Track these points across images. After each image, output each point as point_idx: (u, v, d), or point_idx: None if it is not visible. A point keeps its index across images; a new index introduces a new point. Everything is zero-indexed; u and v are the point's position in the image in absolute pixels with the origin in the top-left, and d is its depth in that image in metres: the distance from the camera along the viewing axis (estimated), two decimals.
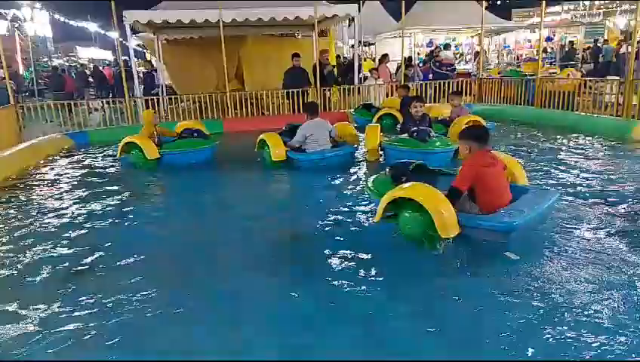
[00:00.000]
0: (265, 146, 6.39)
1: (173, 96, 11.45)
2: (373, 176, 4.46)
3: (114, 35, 10.36)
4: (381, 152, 6.54)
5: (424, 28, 16.91)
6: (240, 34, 12.37)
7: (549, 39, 19.16)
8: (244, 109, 10.61)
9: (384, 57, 12.77)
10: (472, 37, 18.69)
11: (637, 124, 7.56)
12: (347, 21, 13.06)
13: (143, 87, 12.71)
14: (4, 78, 10.25)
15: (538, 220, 3.57)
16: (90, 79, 18.00)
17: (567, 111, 9.28)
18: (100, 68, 21.31)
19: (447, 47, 14.43)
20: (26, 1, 22.95)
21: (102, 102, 12.80)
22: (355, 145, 6.69)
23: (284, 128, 6.99)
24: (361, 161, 6.61)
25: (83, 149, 8.53)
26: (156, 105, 10.34)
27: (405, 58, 11.93)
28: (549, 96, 9.79)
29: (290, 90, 10.39)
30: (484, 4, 12.21)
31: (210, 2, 9.75)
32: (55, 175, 6.61)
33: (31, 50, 23.15)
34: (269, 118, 10.47)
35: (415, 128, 6.18)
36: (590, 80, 10.26)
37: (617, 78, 9.79)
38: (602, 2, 25.63)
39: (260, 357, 2.37)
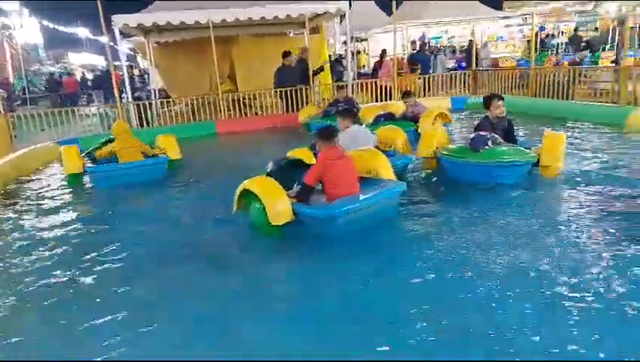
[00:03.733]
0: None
1: (165, 100, 11.35)
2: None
3: (104, 39, 10.22)
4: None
5: (415, 22, 16.82)
6: (231, 34, 12.27)
7: (542, 29, 19.08)
8: (237, 110, 10.53)
9: (384, 53, 12.92)
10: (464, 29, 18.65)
11: (632, 112, 7.53)
12: (339, 17, 12.96)
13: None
14: None
15: (369, 207, 3.78)
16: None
17: (561, 101, 9.23)
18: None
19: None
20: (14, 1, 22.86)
21: (92, 107, 12.69)
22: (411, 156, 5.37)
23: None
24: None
25: None
26: (147, 109, 10.24)
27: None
28: (544, 85, 9.74)
29: (283, 89, 10.33)
30: None
31: (199, 3, 9.64)
32: (46, 184, 6.52)
33: (21, 58, 23.01)
34: (262, 118, 10.41)
35: (474, 134, 4.88)
36: (587, 68, 10.20)
37: (612, 65, 9.75)
38: None
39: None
